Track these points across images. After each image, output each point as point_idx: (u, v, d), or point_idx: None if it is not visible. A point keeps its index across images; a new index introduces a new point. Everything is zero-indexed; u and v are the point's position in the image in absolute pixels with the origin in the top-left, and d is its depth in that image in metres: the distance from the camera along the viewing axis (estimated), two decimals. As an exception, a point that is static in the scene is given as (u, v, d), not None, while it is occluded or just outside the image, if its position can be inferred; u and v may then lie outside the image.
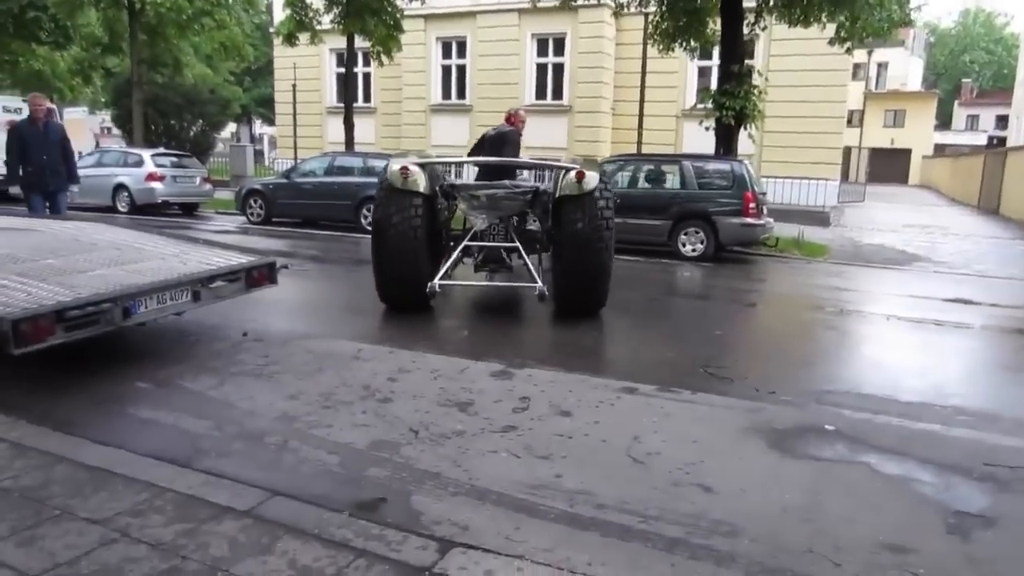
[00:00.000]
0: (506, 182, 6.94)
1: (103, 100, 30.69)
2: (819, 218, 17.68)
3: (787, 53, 19.96)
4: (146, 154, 16.84)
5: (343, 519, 2.98)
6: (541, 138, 22.97)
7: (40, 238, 6.07)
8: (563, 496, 3.32)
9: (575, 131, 22.69)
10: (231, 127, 47.23)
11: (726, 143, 13.11)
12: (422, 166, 6.71)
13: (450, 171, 7.85)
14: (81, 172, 16.90)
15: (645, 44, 15.97)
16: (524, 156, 8.25)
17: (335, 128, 23.45)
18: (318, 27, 18.30)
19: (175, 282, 5.01)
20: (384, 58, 18.78)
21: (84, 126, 29.30)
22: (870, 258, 12.93)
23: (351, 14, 17.03)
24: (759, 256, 12.41)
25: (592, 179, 6.31)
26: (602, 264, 6.43)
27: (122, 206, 16.24)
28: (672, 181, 11.90)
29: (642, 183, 12.25)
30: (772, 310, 8.74)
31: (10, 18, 22.79)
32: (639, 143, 19.13)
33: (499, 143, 7.48)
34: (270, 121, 37.19)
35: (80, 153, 19.67)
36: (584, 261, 6.34)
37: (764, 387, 5.01)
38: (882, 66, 52.66)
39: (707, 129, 13.65)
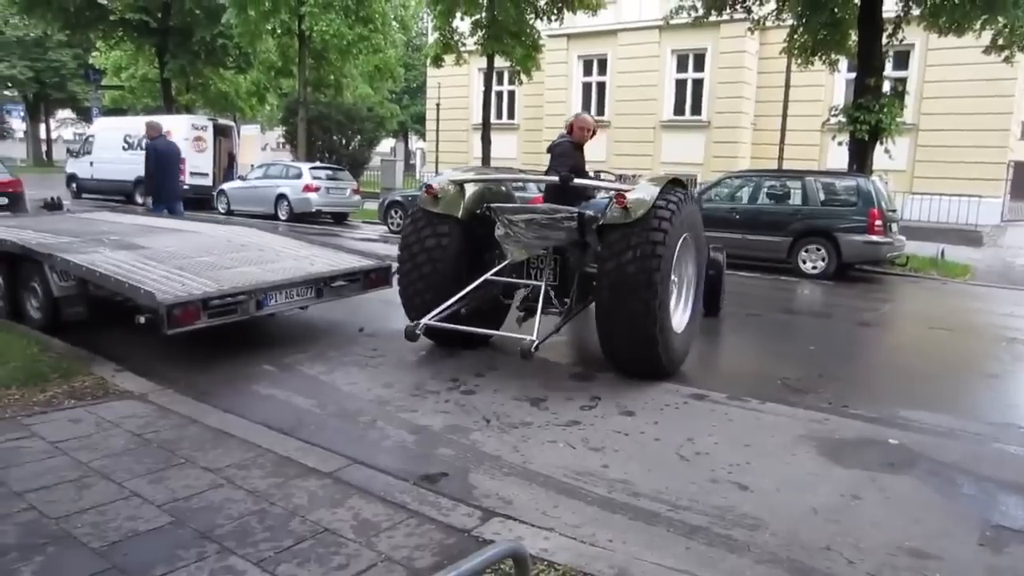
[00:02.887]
0: (545, 205, 5.68)
1: (276, 118, 33.82)
2: (970, 237, 16.46)
3: (944, 63, 18.74)
4: (304, 167, 18.59)
5: (406, 486, 3.49)
6: (678, 154, 22.98)
7: (200, 239, 7.14)
8: (604, 483, 3.65)
9: (713, 147, 22.42)
10: (389, 142, 50.32)
11: (860, 159, 12.64)
12: (460, 185, 5.81)
13: (523, 187, 6.98)
14: (249, 183, 19.22)
15: (789, 58, 15.65)
16: (593, 171, 6.65)
17: (479, 144, 24.59)
18: (463, 49, 19.41)
19: (301, 280, 5.81)
20: (524, 77, 19.60)
21: (256, 141, 32.50)
22: (1018, 280, 11.98)
23: (491, 37, 17.95)
24: (889, 275, 11.86)
25: (640, 204, 4.95)
26: (647, 316, 4.85)
27: (282, 214, 18.02)
28: (794, 197, 11.66)
29: (763, 199, 12.07)
30: (882, 329, 8.43)
31: (203, 47, 25.84)
32: (780, 159, 18.65)
33: (554, 157, 6.06)
34: (425, 137, 39.31)
35: (251, 165, 22.04)
36: (622, 311, 4.91)
37: (838, 401, 5.03)
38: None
39: (840, 144, 13.23)
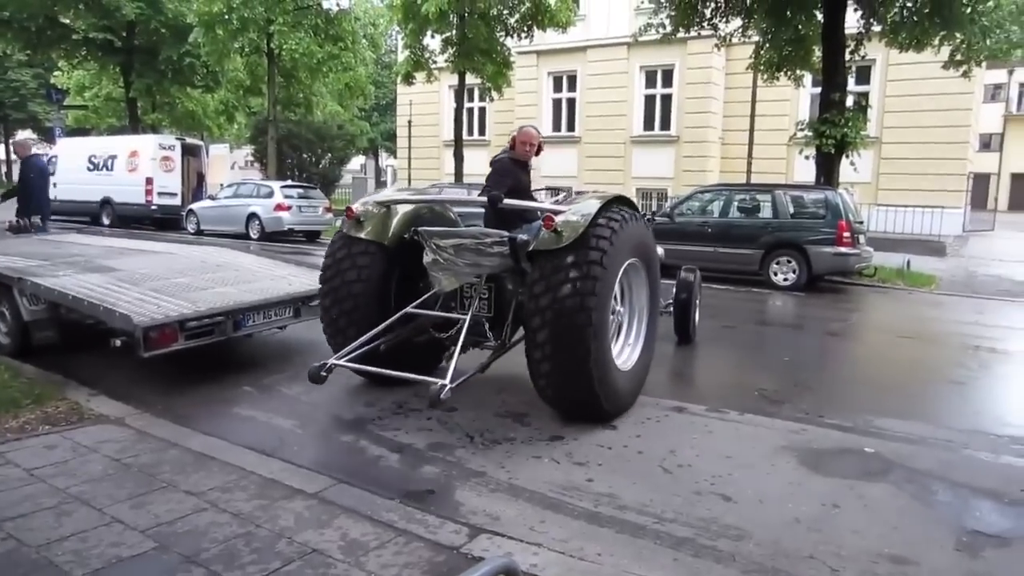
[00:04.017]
0: (474, 229, 4.96)
1: (245, 137, 33.60)
2: (934, 248, 16.88)
3: (905, 77, 19.31)
4: (276, 186, 18.48)
5: (393, 505, 3.48)
6: (649, 169, 23.30)
7: (174, 260, 7.06)
8: (590, 497, 3.67)
9: (682, 161, 22.76)
10: (359, 160, 50.21)
11: (827, 172, 12.93)
12: (387, 207, 5.22)
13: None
14: (219, 203, 19.06)
15: (755, 74, 16.01)
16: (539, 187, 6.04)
17: (450, 161, 24.64)
18: (433, 66, 19.50)
19: (279, 300, 5.78)
20: (495, 93, 19.75)
21: (225, 160, 32.22)
22: (981, 289, 12.31)
23: (462, 54, 18.07)
24: (856, 286, 12.11)
25: (571, 227, 4.30)
26: (580, 351, 4.23)
27: (254, 233, 17.87)
28: (765, 210, 11.87)
29: (734, 213, 12.27)
30: (851, 339, 8.60)
31: (170, 66, 25.62)
32: (748, 172, 18.99)
33: (492, 175, 5.26)
34: (395, 154, 39.38)
35: (221, 185, 21.86)
36: (553, 345, 4.27)
37: (814, 411, 5.12)
38: (1026, 86, 48.92)
39: (807, 158, 13.53)
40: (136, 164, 20.26)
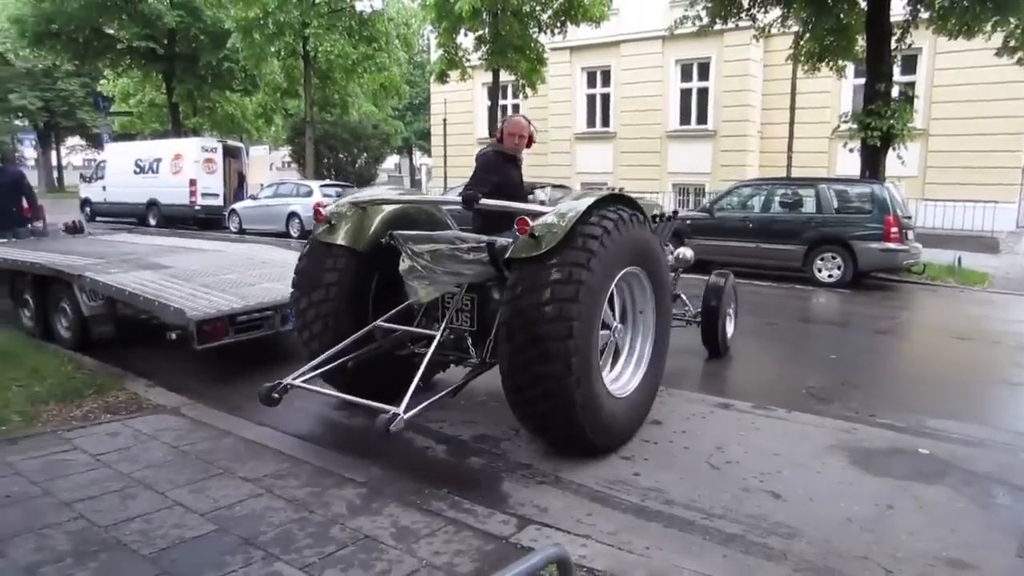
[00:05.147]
0: (450, 233, 4.62)
1: (283, 138, 34.11)
2: (986, 244, 16.38)
3: (954, 66, 18.75)
4: (315, 185, 18.75)
5: (441, 494, 3.53)
6: (685, 164, 23.07)
7: (222, 257, 7.22)
8: (637, 491, 3.68)
9: (720, 156, 22.48)
10: (393, 159, 50.61)
11: (872, 165, 12.65)
12: (363, 208, 4.65)
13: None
14: (260, 202, 19.41)
15: (795, 65, 15.76)
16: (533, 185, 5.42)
17: (484, 158, 24.67)
18: (467, 64, 19.59)
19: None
20: (529, 90, 19.76)
21: (264, 161, 32.76)
22: (1038, 287, 11.95)
23: (496, 52, 18.12)
24: (905, 283, 11.83)
25: (551, 231, 3.69)
26: (560, 375, 3.62)
27: (294, 231, 18.15)
28: (808, 205, 11.67)
29: (776, 207, 12.10)
30: (901, 338, 8.42)
31: (210, 71, 26.17)
32: (788, 166, 18.68)
33: (476, 172, 4.80)
34: (429, 153, 39.65)
35: (261, 185, 22.26)
36: (530, 369, 3.66)
37: (864, 410, 5.04)
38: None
39: (851, 151, 13.26)
40: (180, 167, 20.72)
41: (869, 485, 3.81)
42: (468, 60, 19.56)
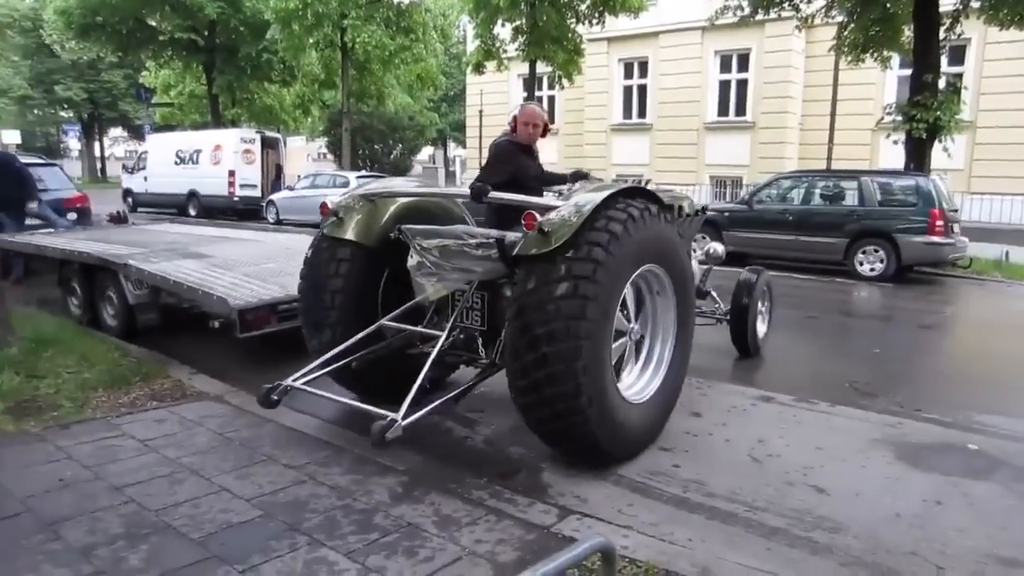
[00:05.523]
0: (459, 228, 4.24)
1: (319, 129, 34.49)
2: (1038, 238, 15.91)
3: (1004, 57, 18.23)
4: (351, 176, 18.89)
5: (482, 483, 3.55)
6: (723, 156, 22.79)
7: (262, 247, 7.32)
8: (677, 483, 3.65)
9: (758, 148, 22.17)
10: (428, 150, 50.87)
11: (917, 158, 12.37)
12: (372, 200, 4.44)
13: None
14: (297, 193, 19.64)
15: (837, 56, 15.44)
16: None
17: (519, 150, 24.63)
18: (503, 55, 19.55)
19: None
20: (565, 81, 19.66)
21: (302, 152, 33.13)
22: (1088, 283, 11.57)
23: (533, 42, 18.04)
24: (950, 278, 11.56)
25: (560, 227, 3.42)
26: (568, 380, 3.38)
27: (331, 223, 18.29)
28: (850, 198, 11.45)
29: (817, 200, 11.89)
30: (947, 332, 8.23)
31: (249, 62, 26.53)
32: (829, 159, 18.35)
33: (488, 163, 4.64)
34: (464, 144, 39.81)
35: (298, 176, 22.52)
36: (536, 372, 3.41)
37: (910, 405, 4.94)
38: None
39: (895, 143, 12.96)
40: (219, 157, 21.04)
41: (916, 481, 3.74)
42: (505, 51, 19.51)
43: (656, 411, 4.09)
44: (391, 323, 4.23)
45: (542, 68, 20.01)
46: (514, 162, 4.49)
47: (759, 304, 6.19)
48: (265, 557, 2.77)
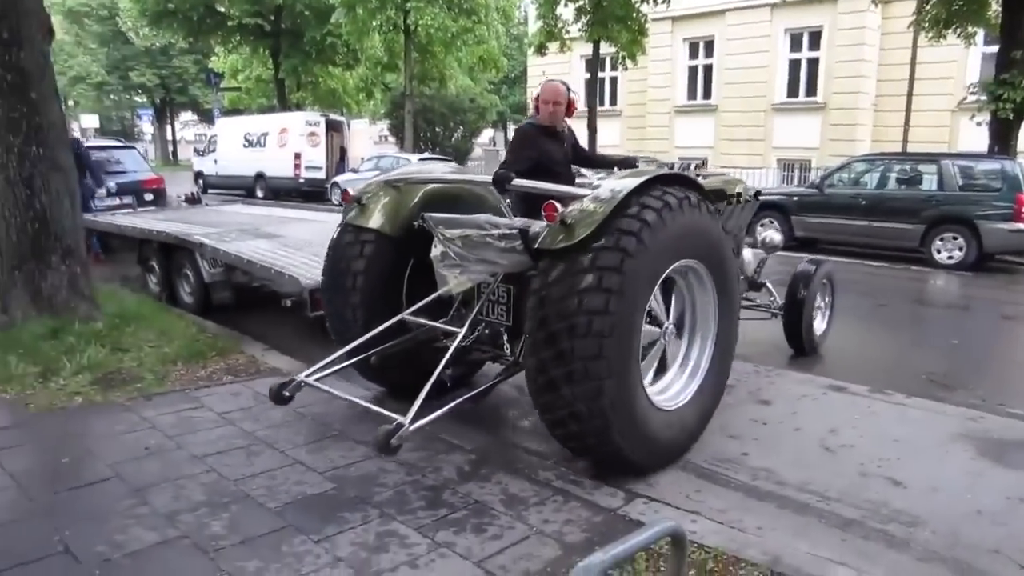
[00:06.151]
0: (481, 217, 3.81)
1: (381, 112, 34.86)
2: None
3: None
4: (415, 158, 19.07)
5: (548, 465, 3.57)
6: (791, 138, 22.12)
7: (328, 228, 7.44)
8: (746, 471, 3.60)
9: (829, 130, 21.40)
10: (489, 133, 50.98)
11: (1003, 140, 11.76)
12: (397, 187, 4.27)
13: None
14: (360, 175, 19.92)
15: (916, 32, 14.75)
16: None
17: (580, 132, 24.38)
18: (566, 36, 19.36)
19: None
20: (629, 62, 19.36)
21: (365, 135, 33.59)
22: None
23: (597, 22, 17.81)
24: (1038, 266, 11.01)
25: (584, 219, 3.14)
26: (589, 386, 3.10)
27: (394, 205, 18.55)
28: (929, 182, 10.97)
29: (892, 184, 11.44)
30: (1032, 324, 7.86)
31: (314, 46, 26.99)
32: (904, 141, 17.60)
33: (515, 148, 4.26)
34: (523, 126, 39.63)
35: (362, 158, 22.86)
36: (554, 375, 3.14)
37: (992, 398, 4.74)
38: None
39: (979, 125, 12.35)
40: (285, 140, 21.52)
41: (999, 477, 3.59)
42: (567, 31, 19.31)
43: (691, 419, 3.73)
44: (411, 317, 3.98)
45: (605, 49, 19.75)
46: (536, 147, 4.12)
47: (817, 298, 5.70)
48: (339, 528, 2.85)
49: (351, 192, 4.29)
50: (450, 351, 3.56)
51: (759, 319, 5.68)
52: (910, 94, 17.43)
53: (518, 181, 3.71)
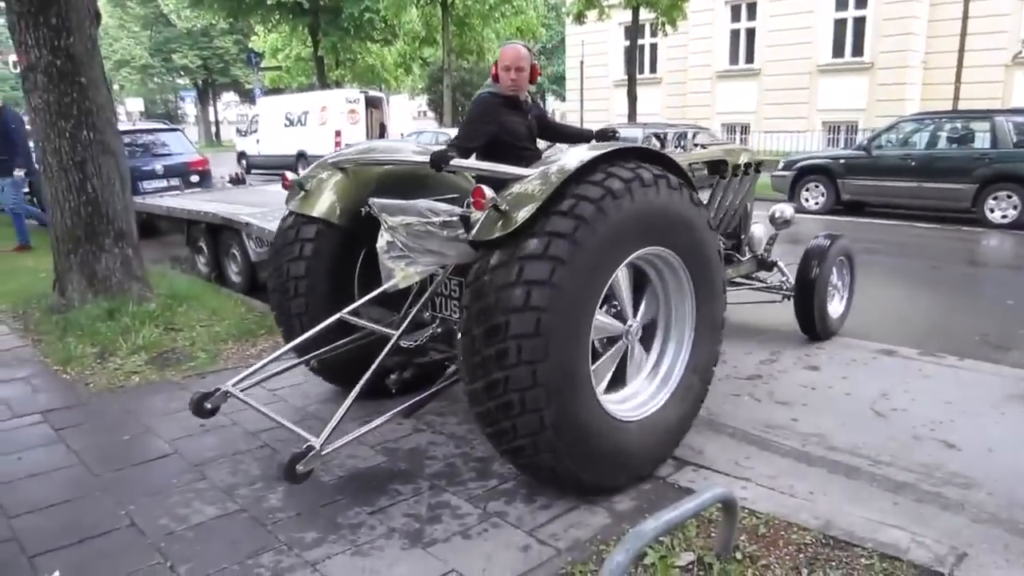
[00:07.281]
0: (423, 203, 3.36)
1: (420, 87, 34.91)
2: None
3: None
4: (453, 132, 19.06)
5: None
6: (837, 100, 21.51)
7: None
8: (796, 436, 3.57)
9: (876, 90, 20.79)
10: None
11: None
12: (343, 169, 3.82)
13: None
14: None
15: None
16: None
17: (620, 101, 24.09)
18: (605, 3, 19.04)
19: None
20: (669, 28, 18.99)
21: (404, 110, 33.64)
22: None
23: (636, -12, 17.50)
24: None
25: (521, 203, 2.68)
26: (531, 395, 2.64)
27: (433, 180, 18.63)
28: (981, 140, 10.58)
29: (943, 143, 11.07)
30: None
31: (352, 22, 27.03)
32: (955, 99, 16.96)
33: (470, 122, 3.73)
34: (562, 97, 39.31)
35: (402, 134, 22.93)
36: (491, 383, 2.66)
37: (1051, 359, 4.61)
38: None
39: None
40: (326, 118, 21.66)
41: (1058, 439, 3.51)
42: (606, -1, 19.04)
43: (661, 432, 3.19)
44: (351, 317, 3.49)
45: (645, 15, 19.39)
46: (496, 119, 3.58)
47: (832, 277, 5.11)
48: (391, 500, 2.93)
49: (289, 176, 3.87)
50: (381, 355, 3.15)
51: (767, 302, 5.26)
52: (961, 49, 16.73)
53: (457, 162, 3.25)
